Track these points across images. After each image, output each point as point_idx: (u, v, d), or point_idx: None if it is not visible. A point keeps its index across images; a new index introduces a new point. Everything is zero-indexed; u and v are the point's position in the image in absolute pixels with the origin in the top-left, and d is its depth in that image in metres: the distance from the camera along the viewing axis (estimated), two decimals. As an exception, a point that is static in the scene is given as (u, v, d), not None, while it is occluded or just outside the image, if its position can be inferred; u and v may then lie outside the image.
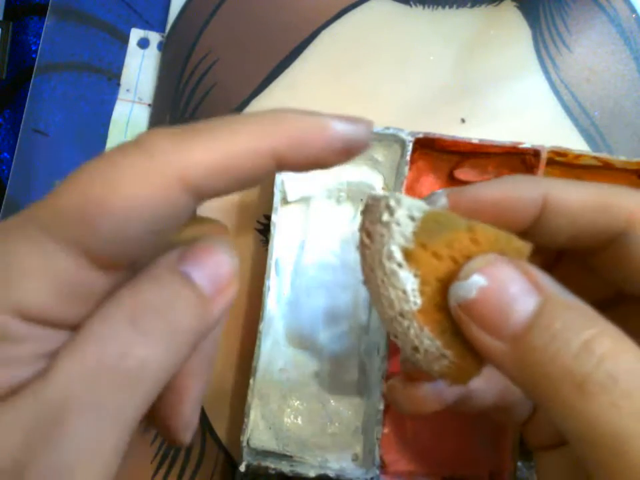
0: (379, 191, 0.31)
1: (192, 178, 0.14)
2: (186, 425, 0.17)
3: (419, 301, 0.17)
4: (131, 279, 0.15)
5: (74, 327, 0.14)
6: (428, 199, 0.20)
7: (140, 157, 0.14)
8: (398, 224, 0.17)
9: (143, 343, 0.14)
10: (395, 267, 0.17)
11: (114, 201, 0.13)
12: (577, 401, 0.15)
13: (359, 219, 0.31)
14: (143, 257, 0.15)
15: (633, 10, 0.35)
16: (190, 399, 0.17)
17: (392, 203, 0.17)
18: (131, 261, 0.15)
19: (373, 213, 0.18)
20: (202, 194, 0.14)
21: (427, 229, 0.17)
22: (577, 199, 0.19)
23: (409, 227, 0.17)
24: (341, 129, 0.15)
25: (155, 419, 0.17)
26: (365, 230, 0.19)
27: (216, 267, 0.16)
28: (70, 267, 0.13)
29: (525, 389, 0.16)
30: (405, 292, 0.17)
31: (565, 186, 0.19)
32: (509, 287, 0.16)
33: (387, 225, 0.17)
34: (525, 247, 0.18)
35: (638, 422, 0.14)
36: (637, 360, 0.15)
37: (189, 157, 0.14)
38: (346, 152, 0.16)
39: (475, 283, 0.16)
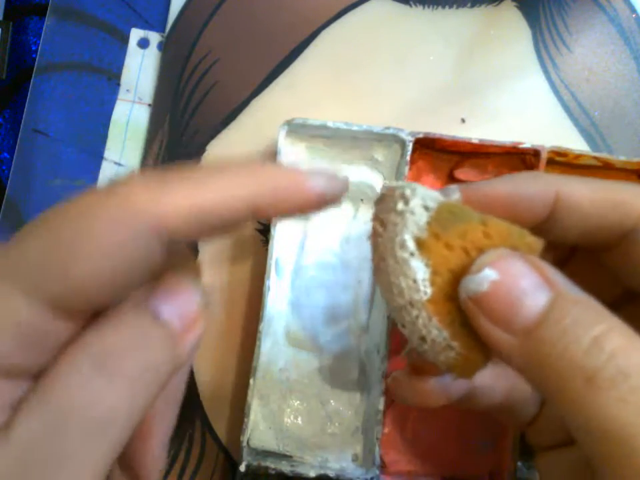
0: (379, 191, 0.31)
1: (166, 225, 0.13)
2: (151, 469, 0.17)
3: (429, 290, 0.17)
4: (98, 320, 0.14)
5: (37, 374, 0.13)
6: (442, 192, 0.20)
7: (114, 203, 0.13)
8: (412, 213, 0.17)
9: (111, 389, 0.13)
10: (407, 255, 0.17)
11: (85, 248, 0.13)
12: (585, 395, 0.15)
13: (358, 218, 0.32)
14: (112, 301, 0.15)
15: (633, 10, 0.35)
16: (155, 443, 0.17)
17: (407, 192, 0.18)
18: (99, 306, 0.14)
19: (387, 202, 0.18)
20: (176, 240, 0.14)
21: (440, 219, 0.17)
22: (589, 196, 0.19)
23: (422, 217, 0.17)
24: (317, 184, 0.15)
25: (118, 460, 0.16)
26: (379, 219, 0.19)
27: (185, 304, 0.15)
28: (32, 315, 0.13)
29: (534, 383, 0.16)
30: (415, 281, 0.17)
31: (576, 183, 0.20)
32: (520, 282, 0.16)
33: (401, 213, 0.18)
34: (537, 242, 0.18)
35: None
36: None
37: (164, 205, 0.13)
38: (321, 205, 0.16)
39: (486, 276, 0.16)
